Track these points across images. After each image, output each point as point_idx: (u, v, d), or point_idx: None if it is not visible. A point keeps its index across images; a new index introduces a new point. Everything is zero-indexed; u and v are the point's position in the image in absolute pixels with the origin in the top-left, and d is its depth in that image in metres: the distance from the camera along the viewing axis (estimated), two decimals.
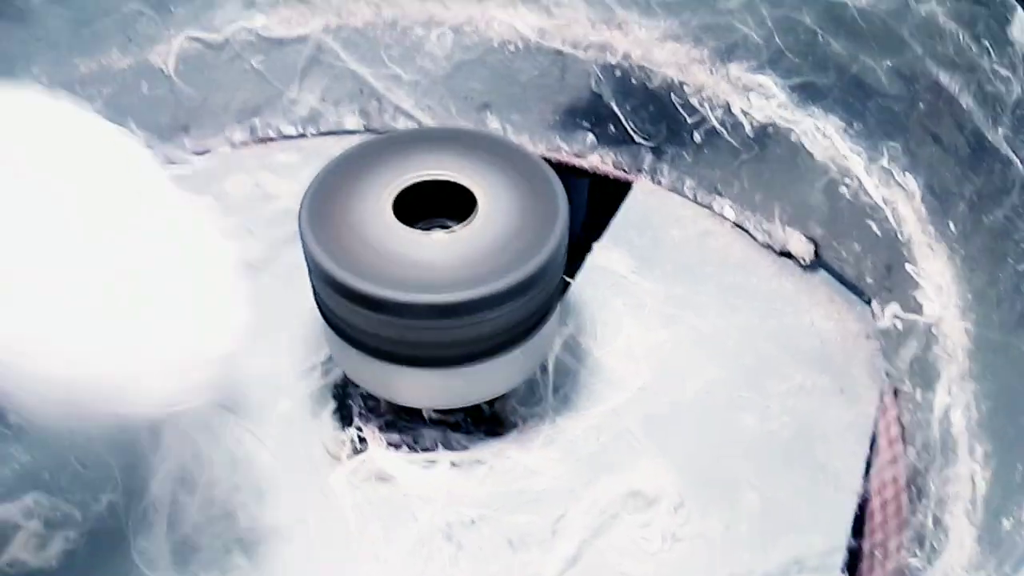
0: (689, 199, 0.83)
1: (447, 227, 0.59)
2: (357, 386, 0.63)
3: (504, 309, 0.54)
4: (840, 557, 0.58)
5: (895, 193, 0.69)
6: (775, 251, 0.78)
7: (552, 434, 0.64)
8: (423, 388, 0.59)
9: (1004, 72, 0.56)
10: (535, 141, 0.88)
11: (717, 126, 0.77)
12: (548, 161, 0.62)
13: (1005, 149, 0.56)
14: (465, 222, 0.57)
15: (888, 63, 0.66)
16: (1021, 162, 0.55)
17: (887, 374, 0.69)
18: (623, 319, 0.72)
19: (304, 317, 0.69)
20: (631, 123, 0.83)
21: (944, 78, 0.62)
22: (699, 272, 0.77)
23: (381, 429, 0.62)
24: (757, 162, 0.77)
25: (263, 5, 0.82)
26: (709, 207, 0.82)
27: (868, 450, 0.65)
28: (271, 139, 0.89)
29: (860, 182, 0.70)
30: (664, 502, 0.59)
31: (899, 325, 0.68)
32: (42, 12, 0.72)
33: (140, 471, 0.56)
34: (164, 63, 0.80)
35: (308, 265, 0.57)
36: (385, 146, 0.62)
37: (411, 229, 0.56)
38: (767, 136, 0.75)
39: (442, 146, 0.62)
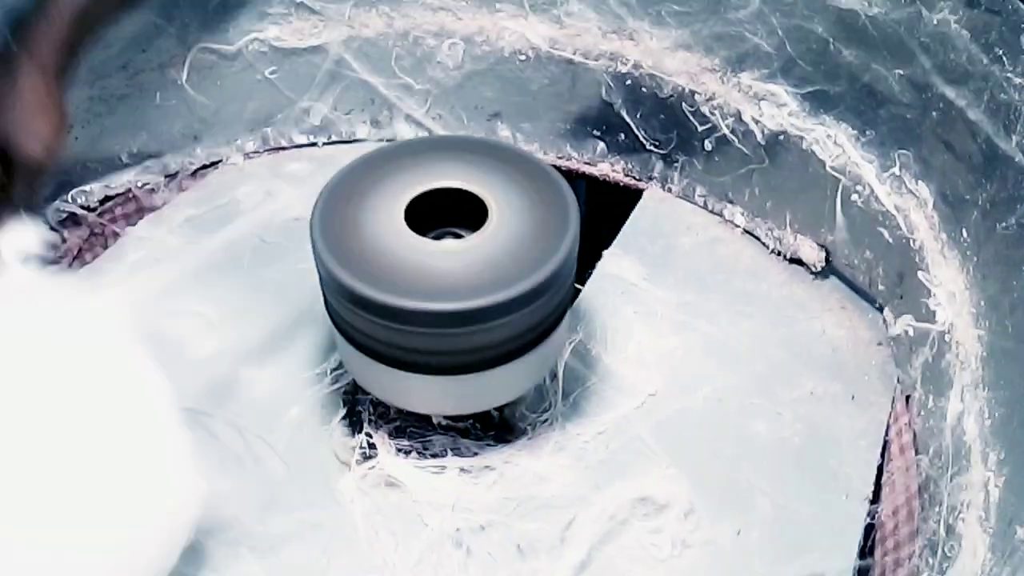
0: (700, 206, 0.84)
1: (458, 235, 0.59)
2: (367, 392, 0.63)
3: (515, 317, 0.54)
4: (851, 566, 0.57)
5: (907, 200, 0.68)
6: (786, 258, 0.78)
7: (562, 440, 0.63)
8: (433, 394, 0.59)
9: (1018, 80, 0.56)
10: (545, 149, 0.88)
11: (728, 134, 0.78)
12: (558, 169, 0.62)
13: (1019, 157, 0.56)
14: (476, 230, 0.57)
15: (900, 72, 0.66)
16: None
17: (899, 381, 0.69)
18: (633, 326, 0.72)
19: (314, 324, 0.70)
20: (642, 131, 0.83)
21: (956, 86, 0.62)
22: (710, 279, 0.77)
23: (391, 435, 0.62)
24: (768, 170, 0.77)
25: (276, 16, 0.83)
26: (720, 214, 0.82)
27: (880, 457, 0.64)
28: (283, 148, 0.89)
29: (872, 189, 0.70)
30: (674, 508, 0.59)
31: (911, 332, 0.68)
32: None
33: None
34: (177, 73, 0.81)
35: (319, 273, 0.57)
36: (396, 155, 0.62)
37: (422, 238, 0.57)
38: (778, 144, 0.75)
39: (453, 155, 0.62)
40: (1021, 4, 0.56)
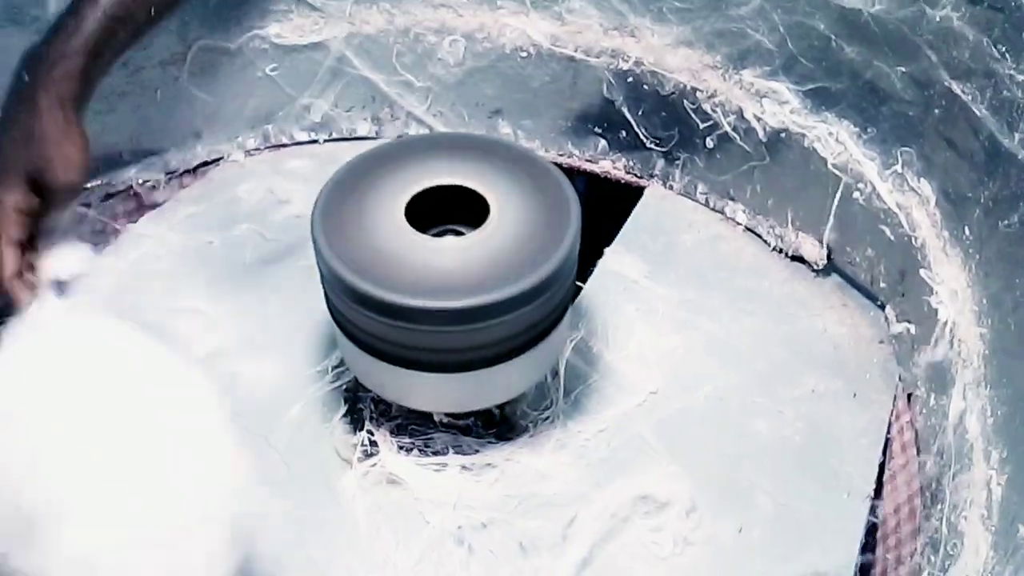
0: (701, 204, 0.83)
1: (459, 233, 0.59)
2: (368, 390, 0.63)
3: (516, 314, 0.54)
4: (853, 563, 0.57)
5: (909, 198, 0.68)
6: (787, 256, 0.78)
7: (563, 438, 0.63)
8: (434, 392, 0.59)
9: (1020, 77, 0.56)
10: (547, 147, 0.88)
11: (730, 131, 0.77)
12: (559, 166, 0.62)
13: (1022, 155, 0.56)
14: (477, 228, 0.57)
15: (902, 69, 0.66)
16: None
17: (901, 379, 0.69)
18: (635, 324, 0.72)
19: (316, 321, 0.70)
20: (643, 128, 0.83)
21: (959, 84, 0.62)
22: (711, 277, 0.77)
23: (392, 433, 0.62)
24: (769, 167, 0.77)
25: (277, 13, 0.83)
26: (721, 212, 0.82)
27: (881, 455, 0.64)
28: (284, 145, 0.89)
29: (874, 187, 0.70)
30: (676, 506, 0.59)
31: (913, 330, 0.68)
32: None
33: None
34: (178, 71, 0.81)
35: (320, 270, 0.57)
36: (397, 152, 0.62)
37: (423, 235, 0.56)
38: (780, 141, 0.75)
39: (454, 152, 0.62)
40: None
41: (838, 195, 0.72)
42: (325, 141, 0.90)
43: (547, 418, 0.64)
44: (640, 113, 0.82)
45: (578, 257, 0.59)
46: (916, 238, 0.67)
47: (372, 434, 0.62)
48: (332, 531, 0.58)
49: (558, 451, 0.63)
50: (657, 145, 0.83)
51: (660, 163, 0.84)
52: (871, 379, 0.69)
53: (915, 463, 0.64)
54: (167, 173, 0.85)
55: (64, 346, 0.53)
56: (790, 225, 0.77)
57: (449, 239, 0.58)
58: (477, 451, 0.62)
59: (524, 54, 0.83)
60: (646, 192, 0.85)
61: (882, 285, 0.72)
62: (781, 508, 0.60)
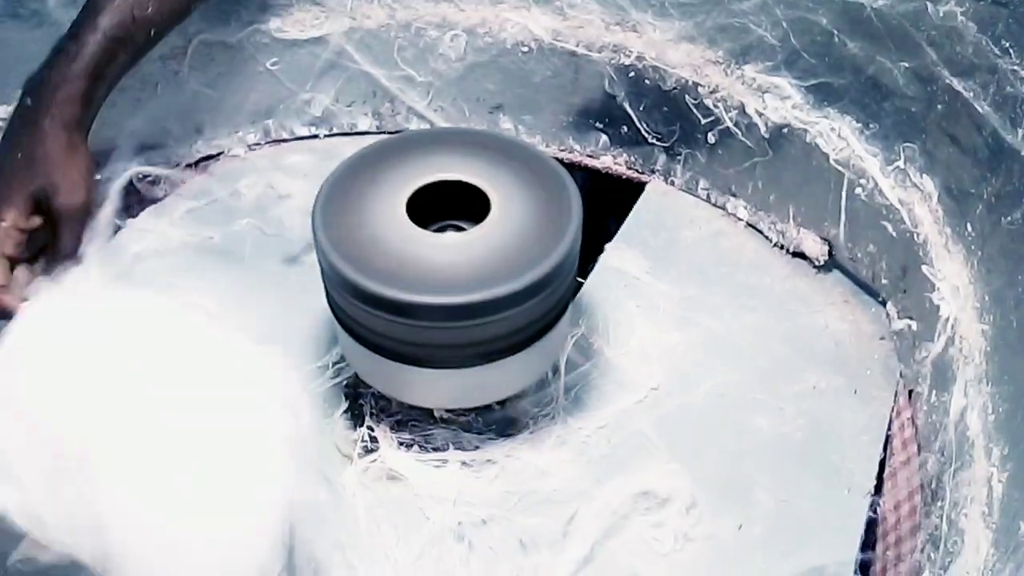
0: (703, 200, 0.83)
1: (460, 228, 0.59)
2: (368, 386, 0.63)
3: (517, 310, 0.54)
4: (853, 560, 0.57)
5: (911, 194, 0.68)
6: (789, 252, 0.78)
7: (563, 434, 0.63)
8: (434, 388, 0.59)
9: None
10: (548, 142, 0.88)
11: (731, 127, 0.77)
12: (560, 162, 0.62)
13: None
14: (478, 223, 0.57)
15: (905, 64, 0.66)
16: None
17: (902, 375, 0.69)
18: (636, 320, 0.72)
19: (316, 317, 0.70)
20: (644, 124, 0.82)
21: (962, 79, 0.62)
22: (712, 273, 0.76)
23: (392, 429, 0.62)
24: (771, 163, 0.77)
25: (277, 7, 0.83)
26: (723, 208, 0.82)
27: (882, 452, 0.64)
28: (284, 140, 0.89)
29: (876, 183, 0.70)
30: (676, 503, 0.59)
31: (914, 326, 0.68)
32: (57, 14, 0.73)
33: None
34: (178, 65, 0.80)
35: (321, 266, 0.57)
36: (398, 147, 0.62)
37: (424, 230, 0.56)
38: (782, 137, 0.75)
39: (455, 147, 0.62)
40: None
41: (841, 191, 0.72)
42: (326, 136, 0.90)
43: (547, 414, 0.64)
44: (641, 108, 0.82)
45: (579, 253, 0.59)
46: (918, 234, 0.67)
47: (372, 430, 0.62)
48: (332, 526, 0.58)
49: (558, 447, 0.63)
50: (659, 140, 0.83)
51: (661, 159, 0.84)
52: (872, 375, 0.69)
53: (916, 460, 0.63)
54: (167, 168, 0.84)
55: (110, 317, 0.52)
56: (792, 221, 0.77)
57: (450, 235, 0.58)
58: (477, 447, 0.62)
59: (525, 49, 0.82)
60: (647, 188, 0.85)
61: (884, 281, 0.72)
62: (782, 504, 0.60)
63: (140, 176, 0.83)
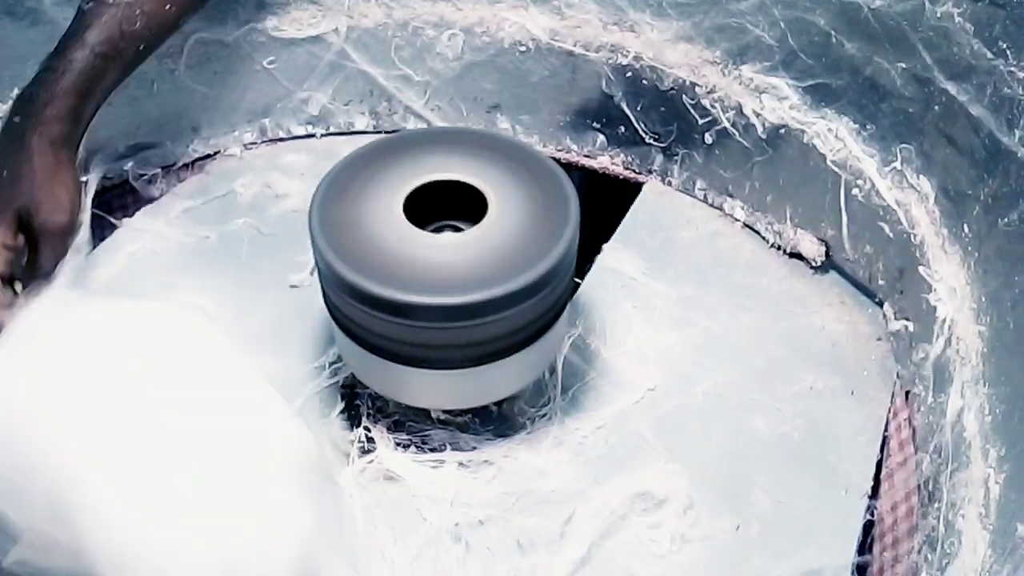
0: (700, 200, 0.83)
1: (457, 228, 0.59)
2: (365, 386, 0.63)
3: (514, 311, 0.54)
4: (850, 561, 0.57)
5: (908, 195, 0.68)
6: (786, 253, 0.78)
7: (561, 435, 0.63)
8: (432, 389, 0.59)
9: (1021, 75, 0.56)
10: (545, 142, 0.88)
11: (729, 127, 0.77)
12: (557, 162, 0.62)
13: (1021, 152, 0.56)
14: (476, 224, 0.57)
15: (902, 65, 0.66)
16: None
17: (899, 376, 0.69)
18: (632, 320, 0.72)
19: (313, 317, 0.69)
20: (642, 124, 0.82)
21: (959, 81, 0.62)
22: (709, 273, 0.76)
23: (389, 429, 0.62)
24: (768, 163, 0.77)
25: (274, 6, 0.82)
26: (720, 208, 0.82)
27: (879, 453, 0.64)
28: (281, 139, 0.89)
29: (873, 184, 0.70)
30: (673, 504, 0.59)
31: (911, 327, 0.68)
32: (53, 13, 0.73)
33: None
34: (174, 63, 0.80)
35: (318, 266, 0.57)
36: (395, 147, 0.62)
37: (421, 231, 0.56)
38: (779, 137, 0.75)
39: (452, 147, 0.62)
40: None
41: (838, 192, 0.72)
42: (323, 135, 0.89)
43: (545, 415, 0.64)
44: (639, 108, 0.82)
45: (576, 253, 0.59)
46: (915, 235, 0.67)
47: (369, 430, 0.62)
48: (329, 527, 0.58)
49: (556, 448, 0.63)
50: (656, 141, 0.83)
51: (659, 159, 0.84)
52: (869, 376, 0.69)
53: (913, 461, 0.64)
54: (163, 167, 0.84)
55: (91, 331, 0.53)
56: (789, 222, 0.77)
57: (447, 235, 0.58)
58: (474, 448, 0.62)
59: (523, 49, 0.82)
60: (644, 188, 0.84)
61: (881, 282, 0.72)
62: (779, 505, 0.60)
63: (136, 175, 0.83)
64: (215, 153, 0.87)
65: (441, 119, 0.88)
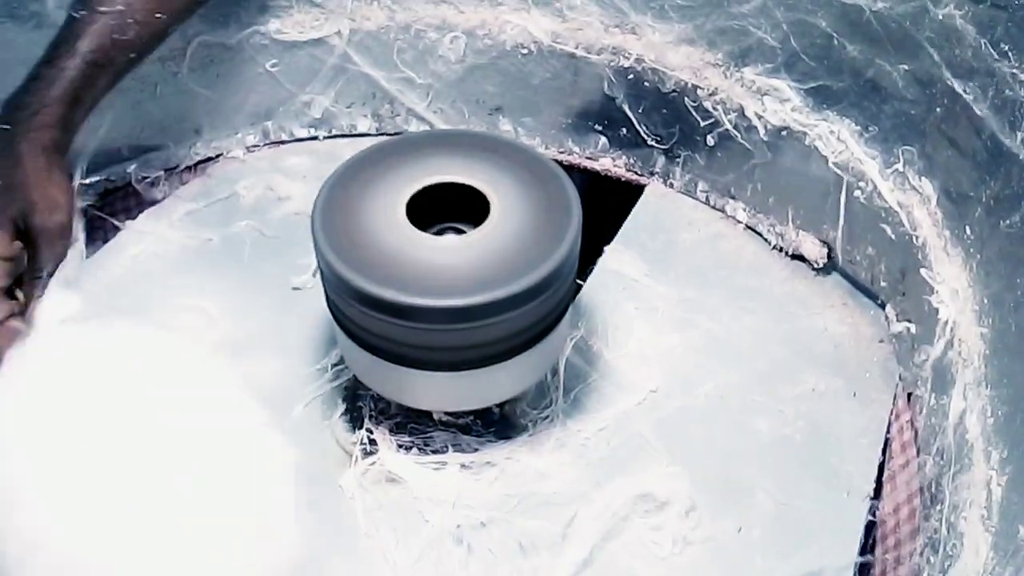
0: (702, 202, 0.83)
1: (460, 231, 0.59)
2: (368, 388, 0.63)
3: (516, 313, 0.54)
4: (852, 563, 0.57)
5: (910, 197, 0.68)
6: (788, 255, 0.78)
7: (563, 437, 0.63)
8: (434, 391, 0.59)
9: (1023, 77, 0.56)
10: (547, 144, 0.88)
11: (731, 129, 0.77)
12: (559, 164, 0.62)
13: (1023, 154, 0.56)
14: (478, 226, 0.57)
15: (904, 67, 0.66)
16: None
17: (901, 378, 0.69)
18: (634, 322, 0.72)
19: (315, 319, 0.69)
20: (644, 126, 0.82)
21: (961, 83, 0.62)
22: (711, 275, 0.76)
23: (391, 431, 0.62)
24: (770, 165, 0.77)
25: (276, 9, 0.83)
26: (722, 210, 0.82)
27: (881, 455, 0.64)
28: (284, 142, 0.89)
29: (875, 186, 0.70)
30: (676, 506, 0.59)
31: (913, 329, 0.68)
32: (56, 16, 0.73)
33: None
34: (177, 66, 0.80)
35: (320, 268, 0.57)
36: (398, 149, 0.62)
37: (423, 233, 0.56)
38: (781, 139, 0.75)
39: (455, 149, 0.62)
40: None
41: (840, 194, 0.72)
42: (325, 138, 0.90)
43: (547, 417, 0.64)
44: (641, 110, 0.82)
45: (578, 255, 0.59)
46: (917, 237, 0.67)
47: (371, 432, 0.62)
48: (331, 529, 0.58)
49: (558, 450, 0.63)
50: (658, 143, 0.83)
51: (661, 161, 0.84)
52: (871, 378, 0.69)
53: (915, 463, 0.63)
54: (166, 169, 0.84)
55: (77, 358, 0.53)
56: (791, 224, 0.77)
57: (449, 237, 0.58)
58: (476, 450, 0.62)
59: (525, 51, 0.82)
60: (646, 190, 0.85)
61: (883, 284, 0.72)
62: (781, 507, 0.60)
63: (139, 177, 0.83)
64: (218, 156, 0.87)
65: (443, 121, 0.88)
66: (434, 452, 0.61)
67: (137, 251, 0.77)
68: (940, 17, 0.62)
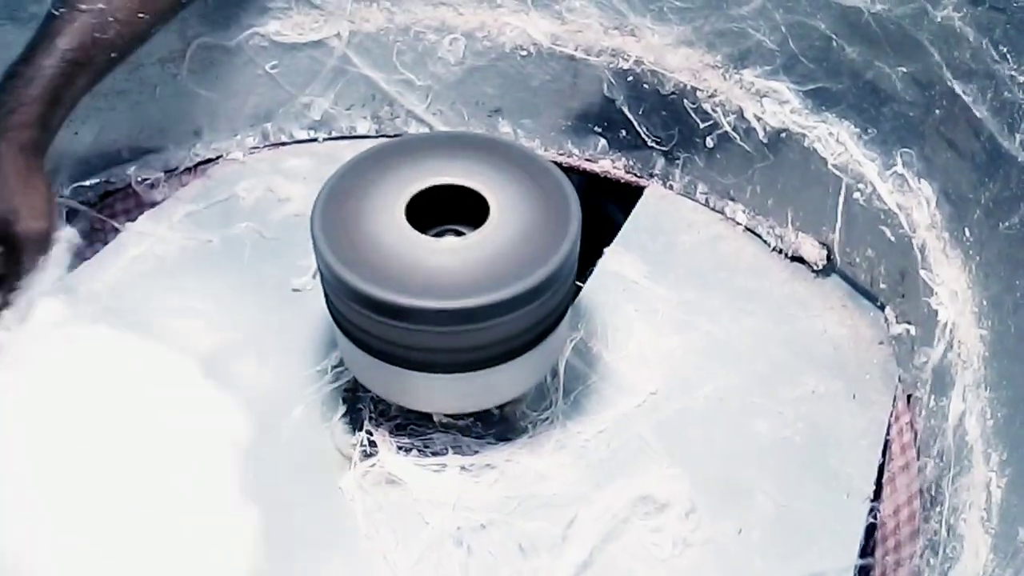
0: (701, 204, 0.83)
1: (459, 233, 0.59)
2: (367, 390, 0.63)
3: (516, 315, 0.54)
4: (852, 565, 0.57)
5: (909, 199, 0.68)
6: (787, 256, 0.78)
7: (563, 439, 0.63)
8: (434, 392, 0.59)
9: (1022, 79, 0.56)
10: (546, 146, 0.88)
11: (730, 131, 0.77)
12: (559, 166, 0.62)
13: (1022, 156, 0.56)
14: (477, 228, 0.57)
15: (903, 69, 0.66)
16: None
17: (900, 380, 0.69)
18: (634, 324, 0.72)
19: (315, 321, 0.69)
20: (643, 128, 0.82)
21: (960, 85, 0.62)
22: (711, 277, 0.77)
23: (391, 433, 0.62)
24: (770, 167, 0.77)
25: (276, 11, 0.83)
26: (721, 212, 0.82)
27: (881, 457, 0.64)
28: (283, 143, 0.89)
29: (874, 188, 0.70)
30: (675, 508, 0.59)
31: (913, 331, 0.68)
32: None
33: None
34: (177, 68, 0.80)
35: (320, 269, 0.57)
36: (397, 151, 0.62)
37: (423, 235, 0.56)
38: (780, 141, 0.75)
39: (454, 151, 0.62)
40: None
41: (839, 196, 0.72)
42: (325, 139, 0.90)
43: (547, 419, 0.64)
44: (640, 112, 0.82)
45: (578, 257, 0.59)
46: (916, 239, 0.67)
47: (371, 434, 0.62)
48: (331, 530, 0.58)
49: (558, 452, 0.63)
50: (657, 144, 0.83)
51: (660, 162, 0.84)
52: (871, 380, 0.69)
53: (915, 465, 0.63)
54: (166, 171, 0.84)
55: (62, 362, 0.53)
56: (790, 226, 0.77)
57: (449, 239, 0.58)
58: (476, 452, 0.62)
59: (524, 53, 0.83)
60: (646, 192, 0.85)
61: (882, 286, 0.72)
62: (781, 509, 0.60)
63: (139, 179, 0.83)
64: (217, 157, 0.87)
65: (443, 123, 0.88)
66: (434, 454, 0.61)
67: (137, 253, 0.77)
68: (939, 19, 0.62)
